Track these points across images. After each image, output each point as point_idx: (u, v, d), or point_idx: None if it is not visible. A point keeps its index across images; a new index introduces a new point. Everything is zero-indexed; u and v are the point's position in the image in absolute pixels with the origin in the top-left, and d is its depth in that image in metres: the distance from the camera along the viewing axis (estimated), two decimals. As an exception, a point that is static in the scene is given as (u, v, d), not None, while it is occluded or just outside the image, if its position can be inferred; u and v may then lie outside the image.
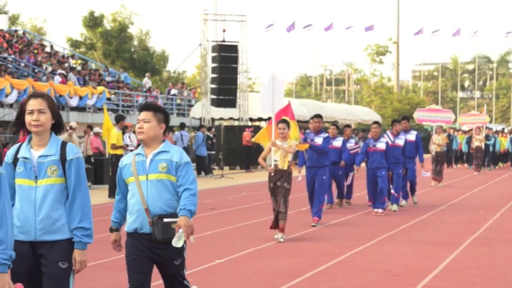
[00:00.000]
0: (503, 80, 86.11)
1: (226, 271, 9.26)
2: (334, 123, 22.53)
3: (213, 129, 31.69)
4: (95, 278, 8.85)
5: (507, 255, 10.47)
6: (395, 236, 12.42)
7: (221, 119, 38.45)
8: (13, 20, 55.11)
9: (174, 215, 5.56)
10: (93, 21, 58.30)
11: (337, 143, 16.54)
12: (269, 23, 74.53)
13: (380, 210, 15.25)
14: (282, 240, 11.50)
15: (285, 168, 11.55)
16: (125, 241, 5.89)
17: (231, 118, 38.00)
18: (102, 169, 23.28)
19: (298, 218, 14.57)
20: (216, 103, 32.60)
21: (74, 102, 29.66)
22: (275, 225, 11.68)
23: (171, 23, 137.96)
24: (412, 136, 17.26)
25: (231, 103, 33.06)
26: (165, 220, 5.54)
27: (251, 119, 36.43)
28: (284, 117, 12.00)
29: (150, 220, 5.57)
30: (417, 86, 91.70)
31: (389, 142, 16.06)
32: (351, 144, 17.51)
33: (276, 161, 11.60)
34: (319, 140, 13.58)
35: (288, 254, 10.49)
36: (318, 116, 14.16)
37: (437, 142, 23.84)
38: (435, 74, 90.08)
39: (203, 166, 29.03)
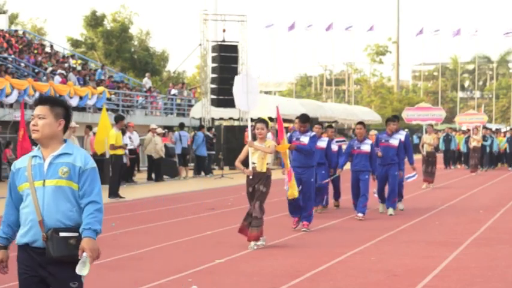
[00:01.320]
0: (503, 80, 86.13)
1: (226, 271, 9.26)
2: (328, 125, 21.15)
3: (213, 129, 31.69)
4: (95, 278, 8.85)
5: (507, 255, 10.47)
6: (395, 236, 12.42)
7: (221, 119, 38.46)
8: (12, 19, 55.08)
9: (73, 228, 4.82)
10: (95, 21, 58.32)
11: (322, 143, 15.48)
12: (269, 23, 74.78)
13: (360, 215, 14.50)
14: (255, 248, 10.82)
15: (264, 170, 10.91)
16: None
17: (231, 118, 38.02)
18: (102, 169, 23.24)
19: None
20: (216, 103, 32.60)
21: (74, 102, 29.64)
22: (245, 229, 10.92)
23: (171, 23, 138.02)
24: (401, 136, 16.17)
25: (231, 103, 32.87)
26: (62, 235, 4.78)
27: (251, 119, 36.41)
28: (262, 117, 11.37)
29: (44, 234, 4.79)
30: (417, 86, 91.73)
31: (383, 141, 15.56)
32: (333, 145, 16.42)
33: (253, 163, 10.95)
34: (305, 139, 12.79)
35: (288, 254, 10.49)
36: (305, 121, 12.97)
37: (428, 142, 23.04)
38: (435, 74, 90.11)
39: (203, 166, 29.04)
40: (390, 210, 15.50)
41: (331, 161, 15.61)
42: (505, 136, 36.15)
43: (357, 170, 14.73)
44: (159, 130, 26.62)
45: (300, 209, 12.67)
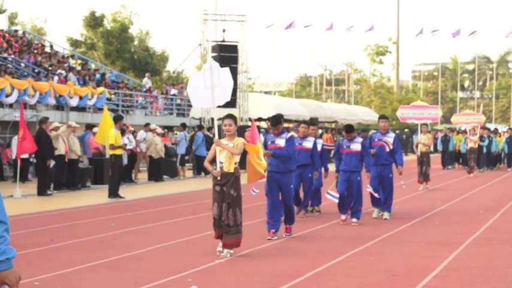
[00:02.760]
0: (503, 80, 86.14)
1: (226, 271, 9.26)
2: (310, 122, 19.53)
3: (213, 129, 31.64)
4: (95, 278, 8.85)
5: (507, 255, 10.47)
6: (396, 236, 12.42)
7: (221, 119, 38.40)
8: (11, 19, 55.07)
9: None
10: (94, 21, 58.33)
11: (308, 143, 14.62)
12: (269, 23, 74.78)
13: (355, 220, 13.85)
14: (228, 256, 10.12)
15: (231, 170, 10.23)
16: None
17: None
18: (102, 169, 23.28)
19: (296, 218, 14.58)
20: (216, 103, 32.59)
21: (74, 102, 29.66)
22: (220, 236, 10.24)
23: (171, 23, 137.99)
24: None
25: (231, 103, 32.98)
26: None
27: (251, 119, 36.44)
28: (231, 113, 10.68)
29: None
30: (417, 86, 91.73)
31: (377, 140, 14.81)
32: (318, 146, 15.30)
33: (221, 163, 10.25)
34: (281, 142, 11.87)
35: (288, 254, 10.49)
36: (276, 124, 12.04)
37: (422, 142, 22.40)
38: (435, 74, 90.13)
39: (203, 166, 29.00)
40: (386, 215, 14.79)
41: (314, 162, 14.70)
42: (501, 136, 35.63)
43: (348, 170, 13.88)
44: (159, 130, 26.62)
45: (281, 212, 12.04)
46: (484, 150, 32.91)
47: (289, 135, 12.06)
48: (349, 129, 14.06)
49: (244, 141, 10.49)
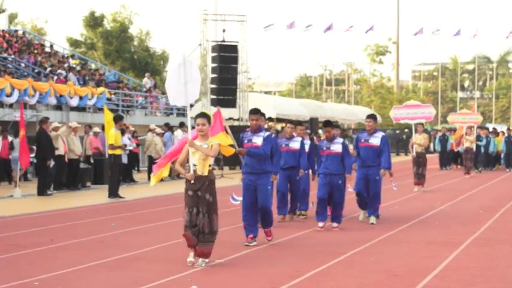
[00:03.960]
0: (503, 80, 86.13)
1: (226, 271, 9.26)
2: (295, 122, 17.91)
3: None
4: (95, 278, 8.85)
5: (507, 255, 10.47)
6: (395, 236, 12.42)
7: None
8: (11, 18, 55.09)
9: None
10: (93, 21, 58.34)
11: (295, 144, 13.99)
12: (269, 23, 74.74)
13: (335, 224, 13.11)
14: (203, 265, 9.38)
15: (205, 174, 9.48)
16: None
17: (231, 118, 38.01)
18: (102, 169, 23.27)
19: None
20: (216, 103, 32.59)
21: (74, 102, 29.67)
22: (190, 239, 9.41)
23: (171, 23, 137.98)
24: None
25: (231, 103, 33.07)
26: None
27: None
28: (204, 111, 9.91)
29: None
30: (417, 86, 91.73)
31: (363, 140, 13.95)
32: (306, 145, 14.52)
33: (194, 165, 9.47)
34: (258, 141, 11.15)
35: (288, 254, 10.48)
36: (256, 112, 11.37)
37: (418, 142, 21.69)
38: (435, 74, 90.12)
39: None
40: (372, 219, 13.95)
41: (301, 164, 14.06)
42: (498, 136, 35.00)
43: (328, 173, 12.95)
44: (158, 130, 26.63)
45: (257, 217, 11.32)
46: (482, 150, 32.36)
47: (267, 133, 11.26)
48: (326, 124, 13.10)
49: (219, 142, 9.68)
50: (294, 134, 14.23)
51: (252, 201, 11.16)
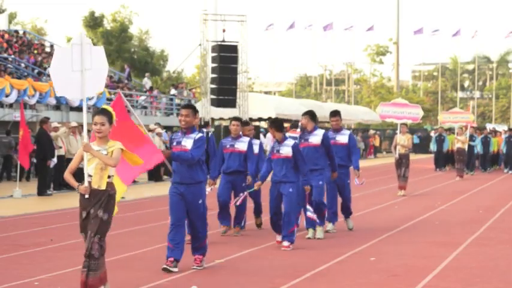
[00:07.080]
0: (503, 80, 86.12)
1: (226, 271, 9.26)
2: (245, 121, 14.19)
3: (210, 124, 31.62)
4: (95, 278, 8.84)
5: (507, 255, 10.47)
6: (395, 236, 12.42)
7: (221, 119, 38.46)
8: (11, 18, 55.09)
9: None
10: (93, 21, 58.38)
11: (241, 145, 12.22)
12: (269, 23, 74.81)
13: (286, 244, 10.84)
14: None
15: (102, 187, 7.42)
16: None
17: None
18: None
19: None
20: (216, 103, 32.59)
21: (74, 102, 29.67)
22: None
23: (171, 23, 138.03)
24: (343, 138, 13.02)
25: (231, 103, 33.04)
26: None
27: (251, 119, 36.46)
28: (104, 107, 7.88)
29: None
30: (417, 86, 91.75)
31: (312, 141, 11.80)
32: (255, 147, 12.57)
33: (90, 175, 7.44)
34: (188, 143, 9.17)
35: (288, 254, 10.48)
36: (187, 107, 9.42)
37: (401, 143, 20.70)
38: (435, 74, 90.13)
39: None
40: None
41: (248, 168, 12.24)
42: (496, 136, 34.39)
43: (277, 181, 10.89)
44: (158, 130, 26.62)
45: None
46: (475, 150, 31.45)
47: (199, 134, 9.22)
48: (275, 123, 11.01)
49: (122, 146, 7.52)
50: (241, 133, 12.44)
51: (180, 216, 9.42)
